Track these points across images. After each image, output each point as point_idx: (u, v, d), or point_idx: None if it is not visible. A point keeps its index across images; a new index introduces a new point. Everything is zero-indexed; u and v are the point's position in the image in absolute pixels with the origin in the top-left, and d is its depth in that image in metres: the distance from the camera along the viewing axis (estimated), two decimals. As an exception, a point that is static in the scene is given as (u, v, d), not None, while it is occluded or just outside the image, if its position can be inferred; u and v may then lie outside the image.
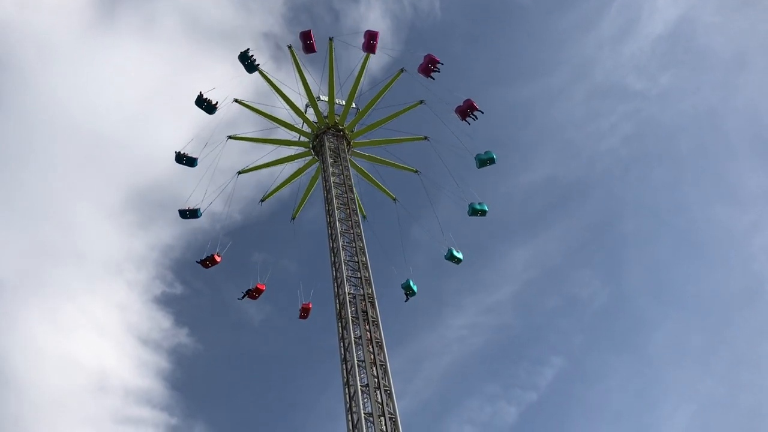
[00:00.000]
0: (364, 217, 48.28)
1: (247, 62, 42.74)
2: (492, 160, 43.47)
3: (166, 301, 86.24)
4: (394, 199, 49.61)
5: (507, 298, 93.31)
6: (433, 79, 43.35)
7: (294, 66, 44.61)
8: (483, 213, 45.06)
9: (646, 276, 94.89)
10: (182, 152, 44.48)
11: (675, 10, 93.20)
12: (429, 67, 42.64)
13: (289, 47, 44.51)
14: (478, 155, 43.71)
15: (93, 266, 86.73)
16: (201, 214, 46.01)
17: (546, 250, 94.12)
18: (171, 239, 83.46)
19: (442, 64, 42.51)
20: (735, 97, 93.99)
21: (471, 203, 45.02)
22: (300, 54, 44.73)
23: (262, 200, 49.29)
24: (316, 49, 43.61)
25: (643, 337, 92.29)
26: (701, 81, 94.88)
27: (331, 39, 44.27)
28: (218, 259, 44.94)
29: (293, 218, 49.88)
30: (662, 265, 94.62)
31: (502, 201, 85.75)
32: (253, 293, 45.19)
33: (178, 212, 45.70)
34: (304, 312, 46.57)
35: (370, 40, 42.82)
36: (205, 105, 43.25)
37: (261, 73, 44.36)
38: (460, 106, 42.85)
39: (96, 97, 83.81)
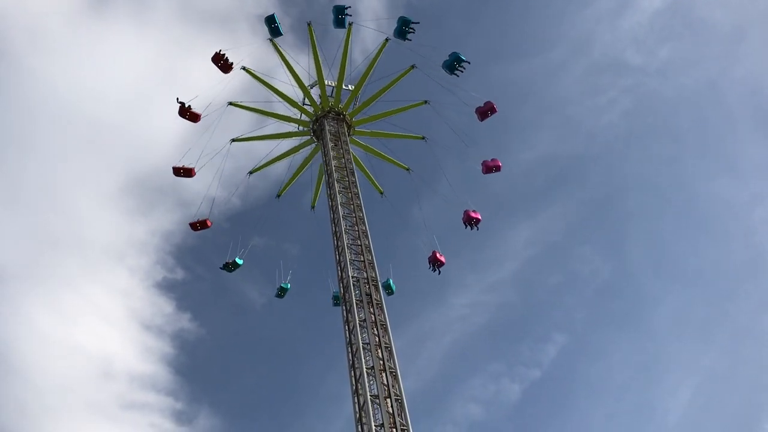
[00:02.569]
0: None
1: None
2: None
3: (167, 287, 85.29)
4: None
5: (509, 276, 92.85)
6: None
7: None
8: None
9: (647, 251, 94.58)
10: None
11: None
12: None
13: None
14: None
15: (94, 253, 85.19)
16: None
17: (547, 227, 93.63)
18: (171, 225, 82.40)
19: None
20: (735, 69, 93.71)
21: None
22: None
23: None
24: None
25: (645, 312, 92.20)
26: (701, 54, 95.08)
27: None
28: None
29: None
30: (664, 240, 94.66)
31: (501, 179, 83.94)
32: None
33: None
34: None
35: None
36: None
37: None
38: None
39: (91, 82, 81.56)
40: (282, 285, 48.02)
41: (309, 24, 44.07)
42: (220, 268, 46.48)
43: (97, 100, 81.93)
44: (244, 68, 44.38)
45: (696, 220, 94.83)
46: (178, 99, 43.10)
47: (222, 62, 42.66)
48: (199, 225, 45.20)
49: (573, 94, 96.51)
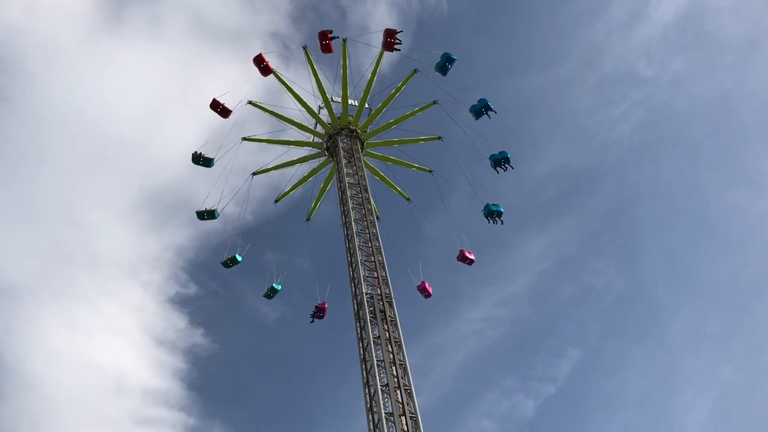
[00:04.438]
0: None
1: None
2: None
3: (180, 302, 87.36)
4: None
5: (522, 290, 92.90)
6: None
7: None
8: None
9: (662, 263, 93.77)
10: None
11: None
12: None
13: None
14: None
15: (107, 268, 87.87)
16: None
17: (560, 240, 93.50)
18: (184, 240, 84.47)
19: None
20: (748, 79, 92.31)
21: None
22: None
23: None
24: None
25: (660, 324, 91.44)
26: (713, 65, 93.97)
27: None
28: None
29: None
30: (678, 252, 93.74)
31: (514, 191, 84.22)
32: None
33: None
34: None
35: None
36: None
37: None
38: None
39: (105, 98, 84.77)
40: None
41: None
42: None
43: (110, 117, 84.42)
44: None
45: (710, 231, 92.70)
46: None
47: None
48: (220, 108, 44.36)
49: (585, 107, 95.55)
